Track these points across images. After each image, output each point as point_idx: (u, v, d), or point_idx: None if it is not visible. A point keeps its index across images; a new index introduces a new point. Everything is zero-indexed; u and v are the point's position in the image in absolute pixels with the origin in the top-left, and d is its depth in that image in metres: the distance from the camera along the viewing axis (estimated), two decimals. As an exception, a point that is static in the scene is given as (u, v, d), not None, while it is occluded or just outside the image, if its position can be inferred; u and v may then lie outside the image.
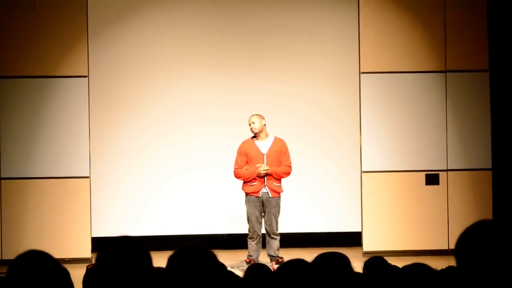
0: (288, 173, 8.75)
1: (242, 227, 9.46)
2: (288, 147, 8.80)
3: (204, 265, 2.53)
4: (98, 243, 9.24)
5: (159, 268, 3.34)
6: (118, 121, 10.25)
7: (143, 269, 2.48)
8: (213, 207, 10.33)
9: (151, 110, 10.29)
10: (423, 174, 9.70)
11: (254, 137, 8.78)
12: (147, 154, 10.29)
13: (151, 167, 10.29)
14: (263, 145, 8.73)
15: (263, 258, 8.64)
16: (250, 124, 8.75)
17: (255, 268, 4.09)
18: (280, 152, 8.73)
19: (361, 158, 9.73)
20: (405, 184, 9.69)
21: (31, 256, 2.41)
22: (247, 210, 8.71)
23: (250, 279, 3.95)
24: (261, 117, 8.77)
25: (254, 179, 8.63)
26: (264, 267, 4.16)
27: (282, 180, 8.76)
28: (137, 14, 10.29)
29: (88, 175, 9.65)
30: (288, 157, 8.76)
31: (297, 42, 10.39)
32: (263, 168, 8.60)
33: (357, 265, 4.82)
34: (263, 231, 8.76)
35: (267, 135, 8.78)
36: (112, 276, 2.45)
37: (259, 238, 8.70)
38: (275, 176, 8.65)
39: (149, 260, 2.51)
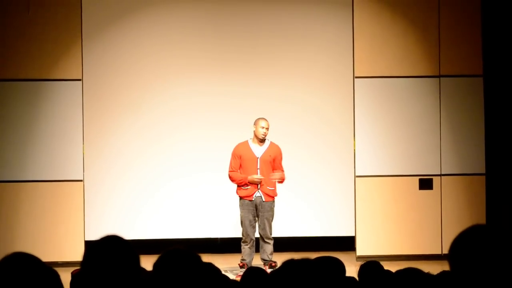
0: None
1: (235, 231, 9.45)
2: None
3: (188, 268, 2.53)
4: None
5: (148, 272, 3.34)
6: (112, 124, 10.23)
7: (131, 267, 2.48)
8: (206, 211, 10.32)
9: (145, 113, 10.27)
10: (416, 178, 9.71)
11: (250, 140, 8.77)
12: (141, 158, 10.27)
13: (145, 171, 10.27)
14: (258, 149, 8.73)
15: (256, 262, 8.63)
16: (263, 128, 8.67)
17: (252, 272, 4.09)
18: (275, 158, 8.73)
19: (355, 163, 9.74)
20: (399, 189, 9.69)
21: (17, 258, 2.40)
22: (240, 214, 8.70)
23: (247, 283, 3.95)
24: None
25: (246, 184, 8.63)
26: (260, 270, 4.16)
27: (277, 184, 8.76)
28: (132, 18, 10.28)
29: (81, 178, 9.63)
30: (281, 163, 8.81)
31: (291, 47, 10.39)
32: (257, 176, 8.59)
33: (351, 270, 4.82)
34: (257, 235, 8.76)
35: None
36: (99, 275, 2.45)
37: (253, 242, 8.69)
38: (282, 181, 8.70)
39: (137, 258, 2.51)
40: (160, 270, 2.55)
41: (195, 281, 2.52)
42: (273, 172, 8.70)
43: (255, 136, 8.72)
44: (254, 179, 8.59)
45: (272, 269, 7.90)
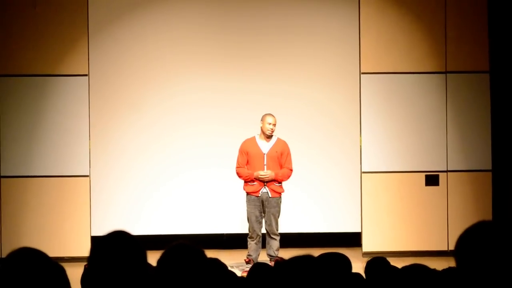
0: (289, 176, 8.75)
1: (241, 227, 9.45)
2: (289, 149, 8.81)
3: (193, 263, 2.53)
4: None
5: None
6: (118, 119, 10.24)
7: (138, 262, 2.48)
8: (212, 207, 10.32)
9: (151, 109, 10.28)
10: (423, 175, 9.70)
11: (257, 136, 8.77)
12: (147, 153, 10.28)
13: (151, 166, 10.28)
14: (265, 145, 8.73)
15: (262, 258, 8.63)
16: (270, 124, 8.67)
17: (258, 268, 4.09)
18: (282, 154, 8.72)
19: (361, 159, 9.73)
20: (405, 185, 9.68)
21: (24, 253, 2.40)
22: (247, 210, 8.70)
23: (254, 279, 3.95)
24: None
25: (253, 180, 8.63)
26: (267, 266, 4.16)
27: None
28: (138, 13, 10.28)
29: (88, 173, 9.65)
30: (290, 159, 8.76)
31: (297, 42, 10.39)
32: (263, 173, 8.58)
33: (357, 266, 4.82)
34: (263, 231, 8.76)
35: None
36: (106, 270, 2.46)
37: (259, 238, 8.70)
38: (277, 180, 8.66)
39: (143, 254, 2.51)
40: (165, 265, 2.55)
41: (200, 276, 2.53)
42: (281, 168, 8.70)
43: (262, 132, 8.72)
44: (260, 175, 8.59)
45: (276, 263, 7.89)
